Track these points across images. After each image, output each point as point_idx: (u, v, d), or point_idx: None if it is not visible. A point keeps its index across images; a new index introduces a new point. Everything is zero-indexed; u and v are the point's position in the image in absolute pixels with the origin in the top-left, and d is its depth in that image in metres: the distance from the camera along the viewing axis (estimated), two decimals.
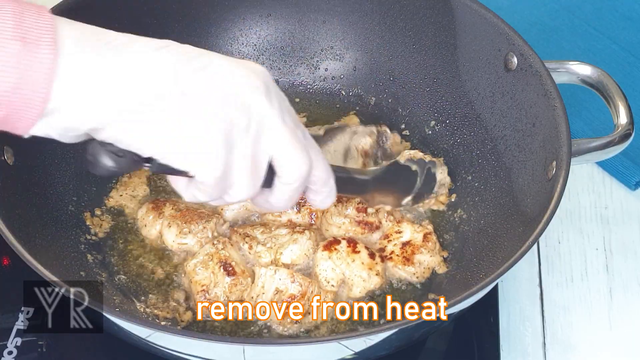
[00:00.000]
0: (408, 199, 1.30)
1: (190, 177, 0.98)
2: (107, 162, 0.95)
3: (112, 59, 0.92)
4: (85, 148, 0.95)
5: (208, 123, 0.95)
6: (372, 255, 1.26)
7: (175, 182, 1.02)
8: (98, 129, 0.93)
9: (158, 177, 1.38)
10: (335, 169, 1.10)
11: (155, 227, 1.30)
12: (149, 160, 0.96)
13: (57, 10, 1.31)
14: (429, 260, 1.27)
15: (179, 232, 1.28)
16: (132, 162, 0.96)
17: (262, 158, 1.00)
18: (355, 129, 1.36)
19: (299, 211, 1.30)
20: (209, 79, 0.96)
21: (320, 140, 1.29)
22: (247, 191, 1.00)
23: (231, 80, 0.97)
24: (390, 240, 1.29)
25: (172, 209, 1.30)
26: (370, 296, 1.25)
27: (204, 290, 1.21)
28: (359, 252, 1.25)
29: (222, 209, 1.32)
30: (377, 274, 1.24)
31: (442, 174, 1.34)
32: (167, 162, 0.96)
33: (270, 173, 1.01)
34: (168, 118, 0.94)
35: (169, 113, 0.94)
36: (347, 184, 1.18)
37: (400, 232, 1.29)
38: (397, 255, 1.27)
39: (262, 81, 1.00)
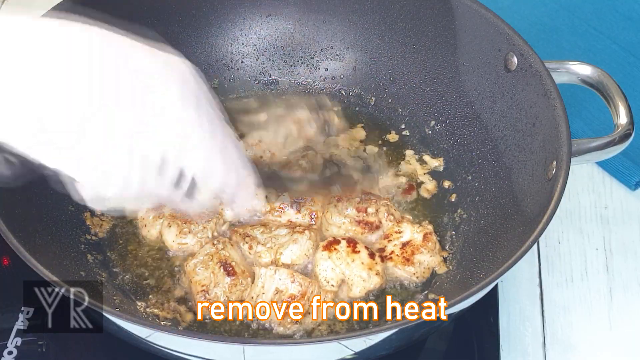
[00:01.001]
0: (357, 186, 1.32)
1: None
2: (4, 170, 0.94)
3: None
4: None
5: (128, 153, 0.95)
6: (372, 255, 1.26)
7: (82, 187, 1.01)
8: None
9: None
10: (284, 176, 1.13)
11: (155, 227, 1.30)
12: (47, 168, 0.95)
13: (56, 9, 1.31)
14: (429, 260, 1.27)
15: (179, 232, 1.28)
16: (29, 170, 0.94)
17: (187, 174, 1.00)
18: (299, 114, 1.35)
19: (298, 211, 1.30)
20: (131, 89, 0.94)
21: (262, 125, 1.30)
22: (162, 194, 1.01)
23: (145, 81, 0.96)
24: (390, 240, 1.29)
25: (172, 209, 1.30)
26: (370, 296, 1.25)
27: (204, 290, 1.21)
28: (358, 252, 1.25)
29: (222, 209, 1.32)
30: (377, 274, 1.24)
31: (379, 165, 1.38)
32: (71, 174, 0.95)
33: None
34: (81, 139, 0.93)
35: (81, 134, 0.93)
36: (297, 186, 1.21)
37: (400, 232, 1.29)
38: (397, 255, 1.27)
39: (181, 83, 0.98)
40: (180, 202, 1.04)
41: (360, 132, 1.45)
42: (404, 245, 1.28)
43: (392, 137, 1.45)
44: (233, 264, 1.23)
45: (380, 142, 1.44)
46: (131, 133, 0.95)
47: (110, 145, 0.94)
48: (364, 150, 1.42)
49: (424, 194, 1.37)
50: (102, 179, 0.97)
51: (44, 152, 0.93)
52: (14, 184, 0.96)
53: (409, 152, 1.43)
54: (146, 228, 1.31)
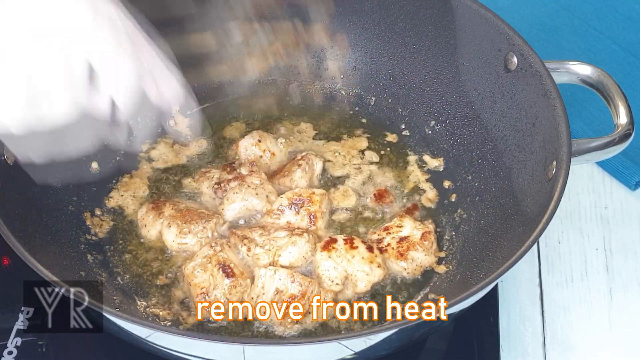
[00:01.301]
0: None
1: None
2: None
3: None
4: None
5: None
6: (370, 249, 1.26)
7: None
8: None
9: (159, 178, 1.38)
10: None
11: (156, 227, 1.30)
12: None
13: None
14: (423, 258, 1.27)
15: (179, 232, 1.28)
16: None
17: (77, 63, 0.95)
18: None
19: (297, 212, 1.30)
20: None
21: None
22: (67, 102, 0.95)
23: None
24: (390, 233, 1.29)
25: (172, 209, 1.30)
26: (374, 293, 1.25)
27: (203, 292, 1.21)
28: (356, 247, 1.26)
29: (222, 209, 1.32)
30: (378, 266, 1.25)
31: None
32: None
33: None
34: None
35: None
36: None
37: (400, 227, 1.30)
38: (393, 248, 1.27)
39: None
40: (100, 109, 1.00)
41: (362, 142, 1.44)
42: (401, 239, 1.28)
43: (392, 137, 1.45)
44: (232, 265, 1.23)
45: (380, 145, 1.44)
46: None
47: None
48: (361, 158, 1.42)
49: (426, 203, 1.37)
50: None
51: None
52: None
53: (411, 158, 1.42)
54: (146, 228, 1.31)
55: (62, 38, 0.94)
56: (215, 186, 1.34)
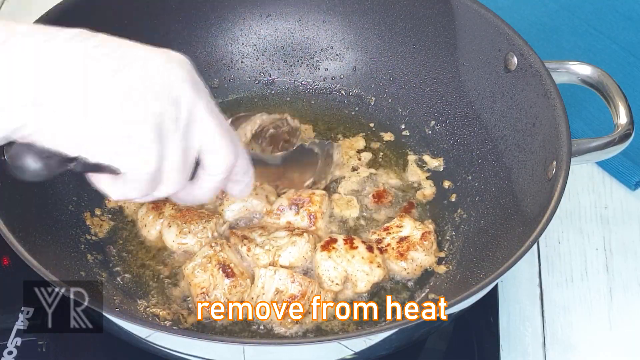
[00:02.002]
0: (310, 180, 1.31)
1: (117, 174, 0.96)
2: (32, 164, 0.91)
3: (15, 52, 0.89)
4: (7, 151, 0.92)
5: (137, 116, 0.93)
6: (370, 249, 1.26)
7: (98, 180, 0.99)
8: (16, 128, 0.90)
9: None
10: (251, 155, 1.10)
11: (156, 227, 1.30)
12: (73, 159, 0.93)
13: (58, 10, 1.31)
14: (423, 258, 1.27)
15: (179, 232, 1.28)
16: (59, 162, 0.93)
17: (192, 150, 0.98)
18: (260, 117, 1.33)
19: (297, 213, 1.30)
20: (132, 71, 0.94)
21: None
22: (177, 185, 0.99)
23: (156, 71, 0.95)
24: (390, 233, 1.29)
25: (172, 209, 1.30)
26: (373, 292, 1.25)
27: (203, 292, 1.21)
28: (356, 247, 1.26)
29: (222, 210, 1.32)
30: (378, 266, 1.25)
31: (337, 155, 1.36)
32: (96, 160, 0.93)
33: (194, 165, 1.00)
34: (93, 113, 0.91)
35: (93, 108, 0.91)
36: (262, 169, 1.18)
37: (400, 227, 1.30)
38: (393, 248, 1.27)
39: (187, 71, 0.98)
40: (186, 189, 1.03)
41: (359, 142, 1.44)
42: (401, 239, 1.28)
43: (389, 136, 1.45)
44: (232, 265, 1.23)
45: (379, 144, 1.44)
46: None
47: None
48: (359, 158, 1.42)
49: (419, 197, 1.37)
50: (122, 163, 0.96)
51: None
52: (42, 178, 0.95)
53: (411, 157, 1.43)
54: (146, 228, 1.31)
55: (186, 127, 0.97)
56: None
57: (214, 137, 0.99)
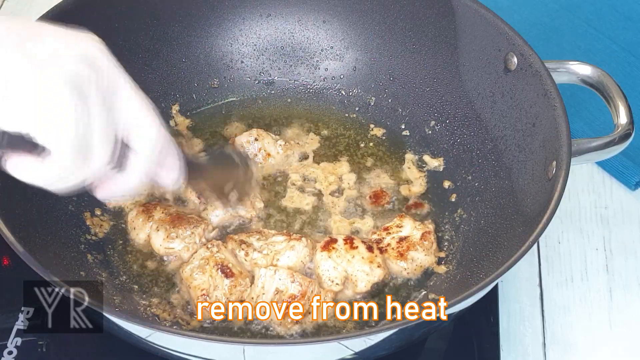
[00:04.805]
0: (233, 192, 1.27)
1: (40, 154, 0.94)
2: None
3: None
4: None
5: (51, 74, 0.91)
6: (370, 249, 1.26)
7: (21, 168, 0.96)
8: None
9: None
10: None
11: (144, 231, 1.29)
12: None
13: (59, 10, 1.31)
14: (423, 258, 1.27)
15: (167, 237, 1.27)
16: None
17: (116, 125, 0.96)
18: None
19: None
20: (47, 38, 0.92)
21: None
22: (103, 158, 0.96)
23: (74, 43, 0.94)
24: (390, 233, 1.29)
25: (162, 212, 1.30)
26: (373, 293, 1.25)
27: (204, 294, 1.21)
28: (356, 247, 1.26)
29: (207, 215, 1.31)
30: (378, 266, 1.25)
31: (256, 170, 1.34)
32: (14, 129, 0.91)
33: (121, 152, 0.98)
34: (8, 82, 0.90)
35: (7, 77, 0.90)
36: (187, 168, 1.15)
37: (400, 227, 1.30)
38: (393, 248, 1.27)
39: (104, 48, 0.96)
40: (113, 179, 1.01)
41: (343, 166, 1.41)
42: (401, 239, 1.28)
43: (384, 133, 1.45)
44: (230, 265, 1.23)
45: (375, 142, 1.44)
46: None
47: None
48: (340, 178, 1.40)
49: (403, 192, 1.37)
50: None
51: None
52: None
53: (409, 157, 1.43)
54: (135, 231, 1.30)
55: (104, 95, 0.95)
56: (198, 192, 1.33)
57: (140, 112, 0.97)
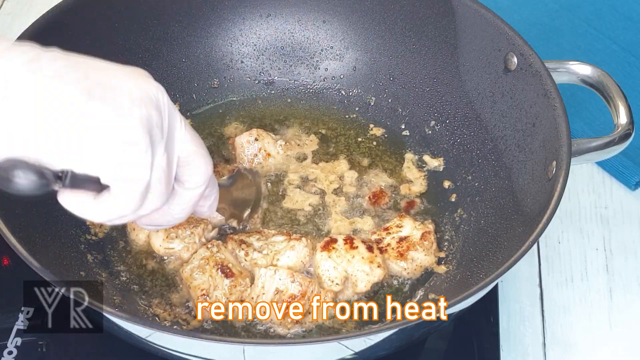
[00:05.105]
0: (248, 211, 1.30)
1: (100, 191, 0.94)
2: (21, 178, 0.90)
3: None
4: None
5: (127, 120, 0.91)
6: (370, 249, 1.26)
7: (80, 203, 0.96)
8: (5, 143, 0.89)
9: None
10: None
11: (144, 231, 1.29)
12: (63, 174, 0.92)
13: (59, 10, 1.31)
14: (423, 258, 1.27)
15: (166, 237, 1.27)
16: (49, 177, 0.92)
17: (173, 162, 0.97)
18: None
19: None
20: (114, 80, 0.93)
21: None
22: (163, 199, 0.97)
23: (134, 80, 0.94)
24: (389, 233, 1.29)
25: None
26: (373, 293, 1.25)
27: (204, 294, 1.21)
28: (356, 247, 1.26)
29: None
30: (378, 266, 1.25)
31: (262, 184, 1.35)
32: (84, 171, 0.91)
33: None
34: (79, 122, 0.89)
35: (79, 117, 0.89)
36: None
37: (400, 227, 1.30)
38: (393, 248, 1.27)
39: (155, 82, 0.97)
40: (160, 210, 1.02)
41: (341, 165, 1.41)
42: (401, 239, 1.28)
43: (384, 134, 1.45)
44: (230, 265, 1.23)
45: (375, 142, 1.44)
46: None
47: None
48: (340, 178, 1.39)
49: (403, 192, 1.37)
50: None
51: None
52: (31, 193, 0.95)
53: (409, 157, 1.43)
54: (135, 232, 1.30)
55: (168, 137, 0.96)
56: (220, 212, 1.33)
57: (193, 147, 0.99)
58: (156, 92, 0.95)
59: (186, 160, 0.99)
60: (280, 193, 1.37)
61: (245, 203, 1.30)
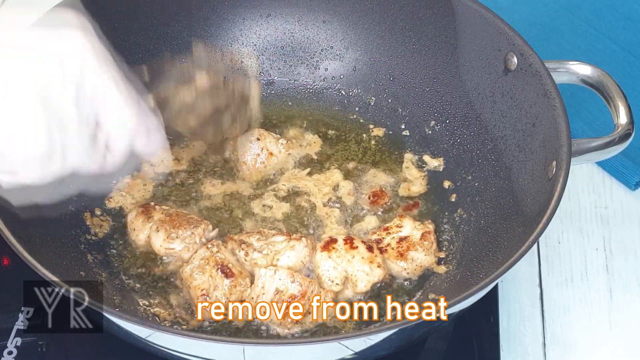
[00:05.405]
0: (227, 119, 1.26)
1: None
2: None
3: None
4: None
5: (22, 93, 0.91)
6: (370, 249, 1.26)
7: None
8: None
9: (160, 180, 1.38)
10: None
11: (144, 232, 1.29)
12: None
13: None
14: (423, 258, 1.27)
15: (167, 237, 1.27)
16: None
17: (90, 114, 0.96)
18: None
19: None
20: (25, 52, 0.92)
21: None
22: (82, 156, 0.97)
23: (53, 45, 0.93)
24: (389, 233, 1.29)
25: (162, 213, 1.29)
26: (373, 293, 1.25)
27: (204, 294, 1.21)
28: (356, 247, 1.26)
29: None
30: (378, 266, 1.25)
31: (255, 91, 1.32)
32: None
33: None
34: None
35: None
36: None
37: (400, 227, 1.30)
38: (393, 248, 1.27)
39: (88, 39, 0.96)
40: (96, 163, 1.02)
41: (335, 175, 1.40)
42: (401, 239, 1.28)
43: (378, 131, 1.45)
44: (230, 265, 1.23)
45: (375, 142, 1.45)
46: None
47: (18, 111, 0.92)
48: (334, 189, 1.38)
49: (403, 192, 1.37)
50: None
51: None
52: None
53: (408, 156, 1.43)
54: (135, 232, 1.30)
55: (75, 93, 0.95)
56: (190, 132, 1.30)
57: (112, 97, 0.98)
58: (73, 50, 0.94)
59: (105, 105, 0.98)
60: (278, 199, 1.37)
61: (219, 115, 1.25)
